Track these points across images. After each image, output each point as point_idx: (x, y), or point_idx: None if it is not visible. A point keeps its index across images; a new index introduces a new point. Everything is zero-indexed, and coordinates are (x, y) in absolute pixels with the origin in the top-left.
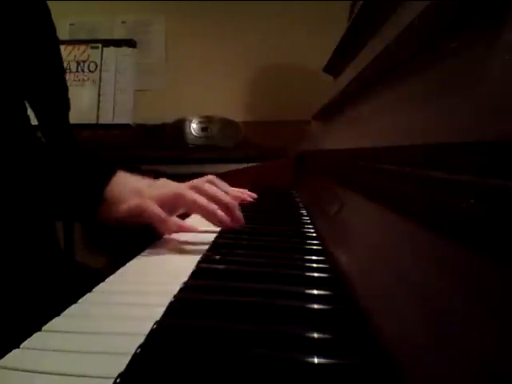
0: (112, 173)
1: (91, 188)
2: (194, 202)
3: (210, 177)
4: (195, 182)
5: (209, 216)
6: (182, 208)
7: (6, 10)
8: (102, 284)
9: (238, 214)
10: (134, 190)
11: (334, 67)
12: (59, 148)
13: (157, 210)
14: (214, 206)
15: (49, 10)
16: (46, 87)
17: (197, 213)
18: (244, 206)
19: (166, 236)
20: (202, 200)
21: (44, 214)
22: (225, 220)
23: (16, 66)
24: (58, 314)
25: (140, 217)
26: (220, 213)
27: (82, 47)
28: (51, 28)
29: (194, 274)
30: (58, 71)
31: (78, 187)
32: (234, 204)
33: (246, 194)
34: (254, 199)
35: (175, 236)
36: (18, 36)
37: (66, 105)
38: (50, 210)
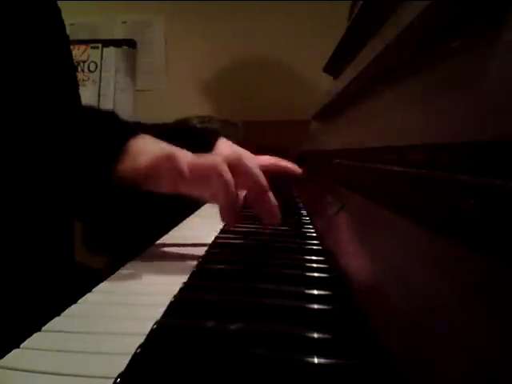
0: (134, 132)
1: (108, 139)
2: (225, 186)
3: (247, 156)
4: (231, 156)
5: (226, 212)
6: (205, 187)
7: (15, 8)
8: (101, 284)
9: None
10: (163, 146)
11: (334, 67)
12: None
13: (184, 165)
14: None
15: (58, 8)
16: (57, 85)
17: (217, 202)
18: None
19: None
20: (232, 190)
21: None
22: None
23: (25, 64)
24: (58, 314)
25: (164, 172)
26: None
27: (82, 47)
28: (61, 26)
29: (194, 274)
30: (68, 68)
31: (93, 140)
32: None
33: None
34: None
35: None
36: (28, 33)
37: (77, 101)
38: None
